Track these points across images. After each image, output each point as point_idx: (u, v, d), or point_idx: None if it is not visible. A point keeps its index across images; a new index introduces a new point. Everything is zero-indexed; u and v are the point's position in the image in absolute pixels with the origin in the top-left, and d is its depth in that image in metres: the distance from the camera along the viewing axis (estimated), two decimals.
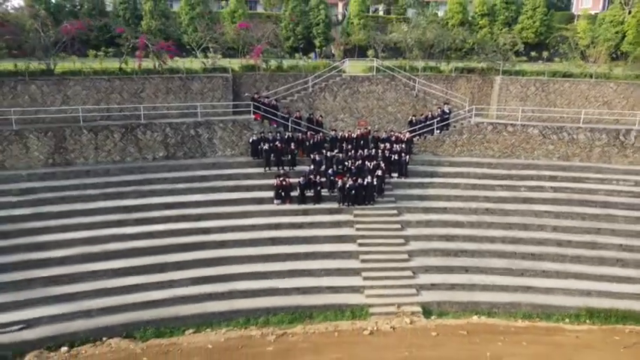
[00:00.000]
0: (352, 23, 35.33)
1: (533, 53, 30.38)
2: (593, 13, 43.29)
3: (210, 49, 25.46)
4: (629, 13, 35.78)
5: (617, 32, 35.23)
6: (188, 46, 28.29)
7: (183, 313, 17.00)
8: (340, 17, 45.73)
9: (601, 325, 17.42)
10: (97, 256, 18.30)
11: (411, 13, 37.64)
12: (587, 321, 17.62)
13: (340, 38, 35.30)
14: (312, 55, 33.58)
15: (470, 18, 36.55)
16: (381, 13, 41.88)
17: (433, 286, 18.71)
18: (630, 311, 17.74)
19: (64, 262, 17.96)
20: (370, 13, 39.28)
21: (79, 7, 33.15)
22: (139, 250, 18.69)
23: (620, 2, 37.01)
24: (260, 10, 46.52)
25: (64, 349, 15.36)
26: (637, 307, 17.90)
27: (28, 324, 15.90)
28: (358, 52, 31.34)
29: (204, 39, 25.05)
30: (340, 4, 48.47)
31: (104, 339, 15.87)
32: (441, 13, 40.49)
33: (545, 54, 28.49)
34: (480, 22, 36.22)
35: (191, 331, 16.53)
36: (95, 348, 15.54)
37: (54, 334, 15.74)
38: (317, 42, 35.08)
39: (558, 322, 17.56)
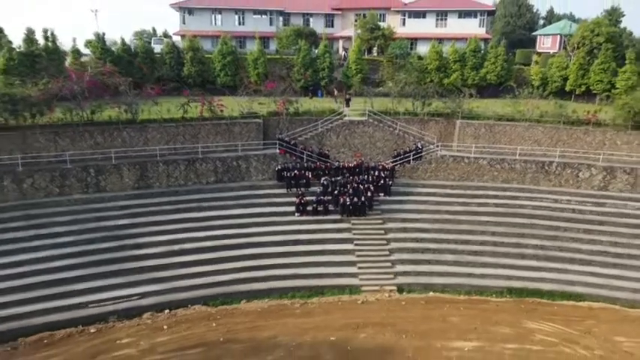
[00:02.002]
0: (350, 68, 44.12)
1: (486, 101, 39.06)
2: (552, 52, 52.10)
3: (246, 98, 34.16)
4: (571, 59, 44.57)
5: (561, 75, 44.04)
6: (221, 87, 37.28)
7: (238, 290, 25.50)
8: (341, 53, 54.46)
9: (516, 298, 26.05)
10: (178, 253, 26.86)
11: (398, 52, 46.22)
12: (507, 296, 26.25)
13: (341, 79, 44.10)
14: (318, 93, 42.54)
15: (445, 63, 45.20)
16: (375, 54, 50.42)
17: (405, 273, 27.35)
18: (537, 289, 26.34)
19: (156, 257, 26.52)
20: (366, 56, 47.89)
21: (134, 56, 41.71)
22: (205, 248, 27.24)
23: (565, 49, 45.76)
24: (272, 46, 55.09)
25: (167, 311, 24.00)
26: (542, 286, 26.49)
27: (142, 296, 24.57)
28: (355, 93, 40.11)
29: (243, 91, 33.79)
30: (341, 42, 57.21)
31: (189, 306, 24.50)
32: (425, 48, 48.95)
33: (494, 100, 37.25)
34: (453, 67, 44.91)
35: (245, 301, 25.13)
36: (185, 311, 24.18)
37: (158, 302, 24.30)
38: (322, 83, 43.93)
39: (487, 297, 26.18)
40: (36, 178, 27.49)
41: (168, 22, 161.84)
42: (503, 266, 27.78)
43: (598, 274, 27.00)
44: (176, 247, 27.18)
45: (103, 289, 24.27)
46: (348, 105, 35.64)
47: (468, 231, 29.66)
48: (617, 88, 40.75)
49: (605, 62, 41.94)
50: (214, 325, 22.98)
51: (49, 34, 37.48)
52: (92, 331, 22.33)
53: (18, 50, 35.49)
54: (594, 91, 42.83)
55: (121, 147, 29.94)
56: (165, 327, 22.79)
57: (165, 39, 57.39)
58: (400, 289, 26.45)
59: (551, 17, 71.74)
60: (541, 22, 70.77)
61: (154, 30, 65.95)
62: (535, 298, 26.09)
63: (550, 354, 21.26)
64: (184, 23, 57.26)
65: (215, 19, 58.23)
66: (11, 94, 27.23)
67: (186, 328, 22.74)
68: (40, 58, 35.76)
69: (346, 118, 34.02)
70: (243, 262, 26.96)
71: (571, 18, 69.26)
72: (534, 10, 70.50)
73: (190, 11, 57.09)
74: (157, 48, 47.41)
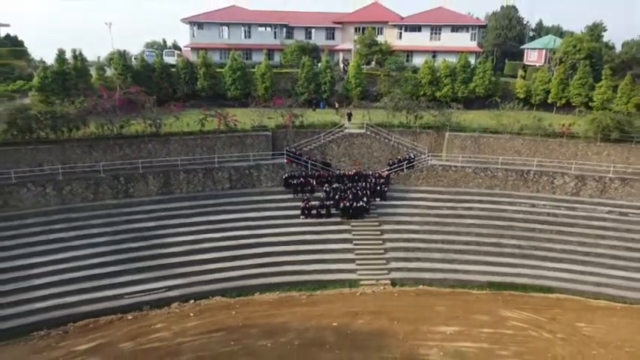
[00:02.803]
0: (350, 82, 47.90)
1: (472, 114, 42.88)
2: (537, 65, 55.86)
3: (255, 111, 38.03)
4: (553, 73, 48.42)
5: (544, 89, 47.87)
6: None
7: (252, 284, 29.25)
8: (341, 66, 58.18)
9: (494, 291, 29.88)
10: (198, 251, 30.62)
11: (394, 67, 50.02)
12: (487, 289, 30.08)
13: (341, 92, 47.93)
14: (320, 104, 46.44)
15: (437, 77, 48.94)
16: (373, 65, 54.08)
17: (398, 269, 31.12)
18: (513, 283, 30.06)
19: (180, 255, 30.26)
20: (365, 69, 51.49)
21: (152, 71, 45.45)
22: (222, 247, 31.02)
23: (548, 65, 49.55)
24: (276, 58, 58.70)
25: (192, 301, 27.77)
26: (518, 281, 30.21)
27: (169, 288, 28.35)
28: (355, 106, 43.98)
29: (253, 105, 37.64)
30: (341, 54, 60.95)
31: (210, 297, 28.28)
32: (420, 60, 52.61)
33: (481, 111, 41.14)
34: (445, 81, 48.66)
35: (258, 293, 28.89)
36: (208, 301, 27.95)
37: (184, 294, 28.08)
38: (325, 95, 47.77)
39: (469, 290, 29.98)
40: (74, 186, 31.28)
41: (169, 27, 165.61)
42: (485, 263, 31.51)
43: (567, 270, 30.78)
44: (197, 246, 30.93)
45: (135, 283, 28.07)
46: (349, 119, 39.43)
47: (454, 232, 33.39)
48: (595, 102, 44.58)
49: (583, 77, 45.73)
50: (234, 313, 26.77)
51: (77, 53, 41.29)
52: (129, 318, 26.10)
53: (51, 69, 39.22)
54: (574, 104, 46.60)
55: (146, 157, 33.70)
56: (191, 314, 26.58)
57: (175, 51, 61.21)
58: (393, 282, 30.21)
59: (540, 30, 75.52)
60: (531, 33, 74.47)
61: (164, 42, 69.50)
62: (511, 290, 29.86)
63: (519, 337, 25.04)
64: (194, 37, 60.84)
65: (223, 32, 61.83)
66: (52, 111, 31.04)
67: (210, 315, 26.53)
68: (70, 76, 39.58)
69: (346, 131, 37.82)
70: (256, 260, 30.69)
71: (558, 30, 73.03)
72: (524, 23, 74.20)
73: (200, 25, 60.60)
74: (169, 60, 51.10)
